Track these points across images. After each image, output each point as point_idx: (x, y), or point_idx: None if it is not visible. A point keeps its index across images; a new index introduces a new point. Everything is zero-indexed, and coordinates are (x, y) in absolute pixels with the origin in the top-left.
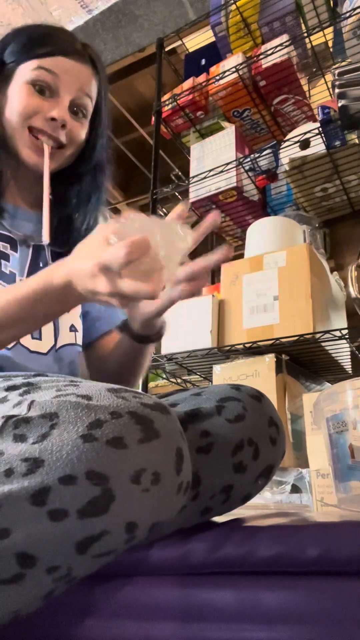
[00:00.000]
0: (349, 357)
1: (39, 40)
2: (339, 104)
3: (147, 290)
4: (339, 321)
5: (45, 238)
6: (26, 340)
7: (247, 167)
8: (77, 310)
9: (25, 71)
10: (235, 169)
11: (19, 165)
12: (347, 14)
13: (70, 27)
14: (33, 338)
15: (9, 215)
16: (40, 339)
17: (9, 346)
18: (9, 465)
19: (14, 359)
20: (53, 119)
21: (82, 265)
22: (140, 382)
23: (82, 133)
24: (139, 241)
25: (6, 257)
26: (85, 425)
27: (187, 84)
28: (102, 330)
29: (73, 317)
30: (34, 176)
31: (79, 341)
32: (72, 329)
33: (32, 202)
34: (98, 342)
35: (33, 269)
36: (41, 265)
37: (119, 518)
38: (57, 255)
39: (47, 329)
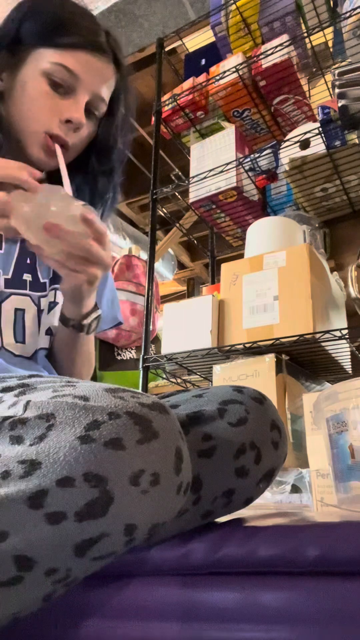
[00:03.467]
0: (349, 357)
1: (61, 26)
2: (339, 104)
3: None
4: (339, 321)
5: None
6: (10, 344)
7: (247, 167)
8: (57, 314)
9: (42, 60)
10: (235, 169)
11: (19, 157)
12: (347, 14)
13: None
14: (17, 342)
15: None
16: (24, 342)
17: None
18: (6, 467)
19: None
20: (68, 121)
21: None
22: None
23: (88, 134)
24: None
25: None
26: (83, 426)
27: (187, 84)
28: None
29: (52, 319)
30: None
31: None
32: (48, 332)
33: None
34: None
35: (20, 265)
36: (29, 261)
37: (118, 520)
38: None
39: (32, 332)
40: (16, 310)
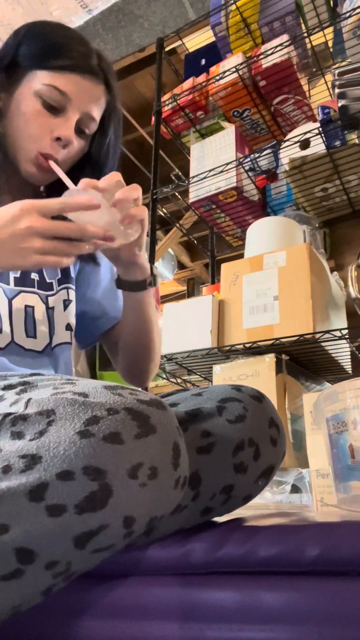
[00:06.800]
0: (349, 357)
1: (55, 50)
2: (339, 104)
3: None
4: (339, 321)
5: None
6: (20, 339)
7: (247, 167)
8: (73, 309)
9: (36, 81)
10: (235, 169)
11: (15, 172)
12: (347, 14)
13: None
14: (28, 336)
15: None
16: (35, 337)
17: (2, 345)
18: (7, 462)
19: (8, 357)
20: (58, 139)
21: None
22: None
23: (78, 150)
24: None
25: None
26: (82, 421)
27: (187, 84)
28: (104, 329)
29: (69, 316)
30: (27, 182)
31: (73, 340)
32: (68, 327)
33: None
34: (105, 337)
35: (25, 271)
36: None
37: (117, 512)
38: None
39: (42, 327)
40: (26, 307)
